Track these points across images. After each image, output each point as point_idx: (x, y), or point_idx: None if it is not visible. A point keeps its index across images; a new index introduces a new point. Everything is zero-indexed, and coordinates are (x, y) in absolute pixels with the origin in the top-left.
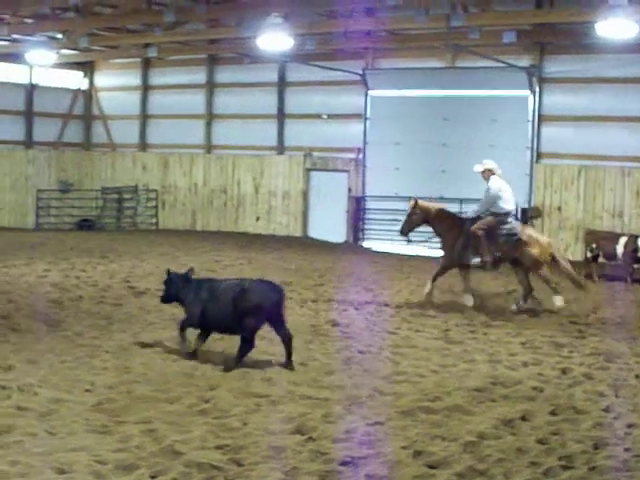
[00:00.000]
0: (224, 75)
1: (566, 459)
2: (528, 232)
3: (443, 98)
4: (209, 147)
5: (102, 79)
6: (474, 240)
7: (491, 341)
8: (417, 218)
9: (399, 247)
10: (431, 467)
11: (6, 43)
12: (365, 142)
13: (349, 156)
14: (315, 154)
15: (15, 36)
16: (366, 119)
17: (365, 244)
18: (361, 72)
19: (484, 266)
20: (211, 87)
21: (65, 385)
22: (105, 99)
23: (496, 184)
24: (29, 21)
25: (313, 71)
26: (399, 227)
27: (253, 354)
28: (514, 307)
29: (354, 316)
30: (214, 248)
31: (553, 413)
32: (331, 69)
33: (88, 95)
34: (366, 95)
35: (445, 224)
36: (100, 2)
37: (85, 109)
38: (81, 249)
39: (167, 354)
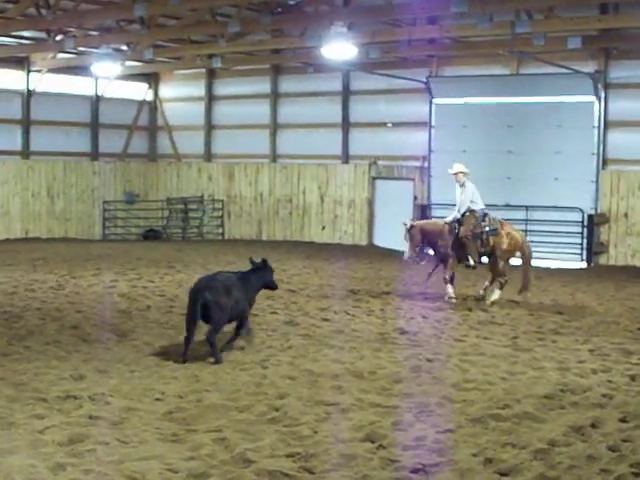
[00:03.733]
0: (288, 85)
1: (637, 466)
2: (507, 228)
3: (508, 105)
4: (274, 157)
5: (167, 90)
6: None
7: (559, 348)
8: (417, 239)
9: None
10: (502, 474)
11: (72, 55)
12: (430, 150)
13: (414, 164)
14: (380, 162)
15: (80, 48)
16: (431, 127)
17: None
18: (425, 80)
19: (474, 266)
20: (275, 97)
21: (136, 394)
22: (170, 110)
23: (470, 187)
24: (94, 33)
25: (377, 79)
26: (405, 256)
27: (323, 363)
28: (480, 292)
29: (422, 324)
30: (280, 257)
31: (623, 420)
32: (395, 77)
33: (153, 106)
34: (430, 103)
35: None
36: (164, 14)
37: (150, 120)
38: (148, 259)
39: (236, 362)
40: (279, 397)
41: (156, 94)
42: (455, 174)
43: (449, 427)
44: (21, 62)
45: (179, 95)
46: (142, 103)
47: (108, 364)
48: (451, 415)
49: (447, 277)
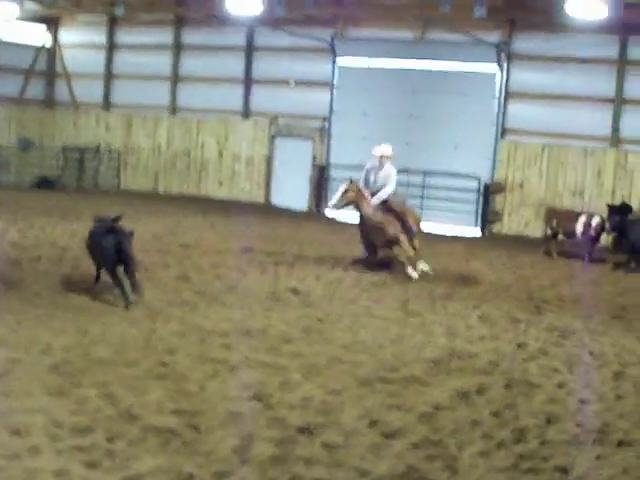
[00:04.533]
0: (191, 37)
1: (519, 432)
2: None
3: (411, 70)
4: (174, 109)
5: (67, 36)
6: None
7: (449, 314)
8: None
9: None
10: (386, 437)
11: None
12: (331, 111)
13: (315, 124)
14: (281, 120)
15: None
16: (333, 88)
17: (327, 213)
18: (330, 40)
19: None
20: (178, 49)
21: (22, 346)
22: (69, 57)
23: (394, 169)
24: None
25: (282, 37)
26: (332, 201)
27: (213, 320)
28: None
29: (314, 284)
30: (176, 212)
31: (508, 387)
32: (300, 36)
33: (52, 52)
34: (334, 63)
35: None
36: None
37: (48, 66)
38: (40, 208)
39: (126, 317)
40: (168, 353)
41: (55, 39)
42: (380, 157)
43: (336, 388)
44: None
45: (79, 42)
46: (40, 48)
47: None
48: (339, 376)
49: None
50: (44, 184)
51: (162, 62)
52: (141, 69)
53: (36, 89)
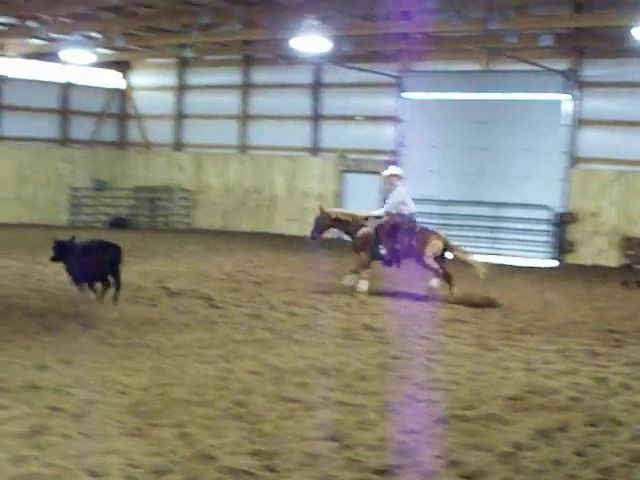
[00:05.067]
0: (259, 76)
1: (604, 472)
2: (423, 229)
3: (478, 101)
4: (243, 148)
5: (138, 78)
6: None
7: (526, 348)
8: (324, 223)
9: None
10: (466, 477)
11: (44, 42)
12: (400, 145)
13: (383, 158)
14: (349, 156)
15: (53, 35)
16: (401, 122)
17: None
18: (396, 74)
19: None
20: (246, 88)
21: (98, 386)
22: (141, 98)
23: (401, 190)
24: (67, 20)
25: (349, 73)
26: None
27: (288, 358)
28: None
29: (388, 320)
30: (247, 248)
31: (590, 424)
32: (367, 71)
33: (124, 94)
34: (401, 98)
35: (351, 226)
36: (137, 2)
37: (121, 108)
38: None
39: (201, 356)
40: (243, 392)
41: (127, 82)
42: (389, 176)
43: (414, 427)
44: None
45: (150, 84)
46: (113, 91)
47: (72, 354)
48: (416, 415)
49: (359, 270)
50: (118, 224)
51: (231, 101)
52: (210, 109)
53: (109, 131)
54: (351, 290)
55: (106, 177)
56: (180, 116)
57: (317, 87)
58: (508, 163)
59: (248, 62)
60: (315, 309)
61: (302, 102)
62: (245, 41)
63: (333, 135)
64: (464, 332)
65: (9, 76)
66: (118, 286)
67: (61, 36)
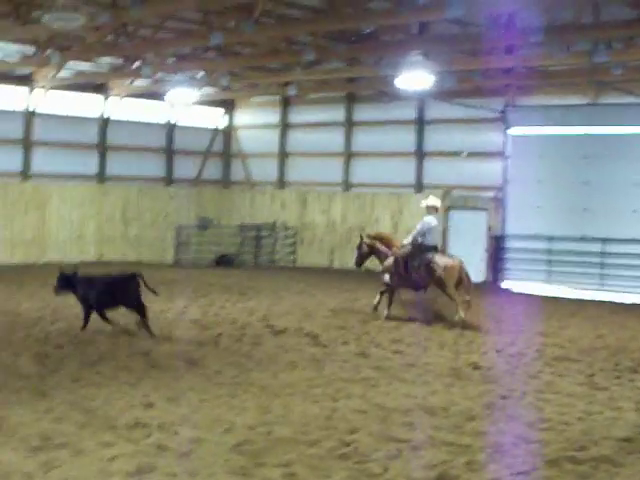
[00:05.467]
0: (363, 113)
1: None
2: (438, 258)
3: (585, 135)
4: (347, 185)
5: (242, 117)
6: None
7: (638, 388)
8: (363, 251)
9: (540, 288)
10: None
11: (148, 82)
12: (505, 180)
13: (489, 194)
14: (454, 192)
15: (157, 75)
16: (506, 157)
17: (504, 284)
18: (501, 109)
19: (388, 285)
20: (349, 125)
21: (205, 424)
22: (244, 137)
23: (428, 220)
24: (171, 61)
25: (452, 108)
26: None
27: (394, 397)
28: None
29: (495, 359)
30: (352, 287)
31: None
32: (471, 106)
33: (228, 133)
34: (506, 133)
35: (383, 254)
36: (240, 42)
37: (224, 147)
38: (220, 285)
39: (307, 395)
40: (350, 432)
41: (231, 121)
42: (427, 207)
43: (524, 469)
44: (99, 88)
45: (254, 122)
46: (217, 130)
47: (178, 392)
48: (526, 456)
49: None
50: (223, 262)
51: (334, 139)
52: (314, 146)
53: (213, 169)
54: (455, 324)
55: (211, 215)
56: (284, 154)
57: (421, 123)
58: (616, 198)
59: (351, 99)
60: (421, 347)
61: (406, 138)
62: (348, 78)
63: (437, 171)
64: (573, 371)
65: (114, 116)
66: (142, 314)
67: (166, 76)
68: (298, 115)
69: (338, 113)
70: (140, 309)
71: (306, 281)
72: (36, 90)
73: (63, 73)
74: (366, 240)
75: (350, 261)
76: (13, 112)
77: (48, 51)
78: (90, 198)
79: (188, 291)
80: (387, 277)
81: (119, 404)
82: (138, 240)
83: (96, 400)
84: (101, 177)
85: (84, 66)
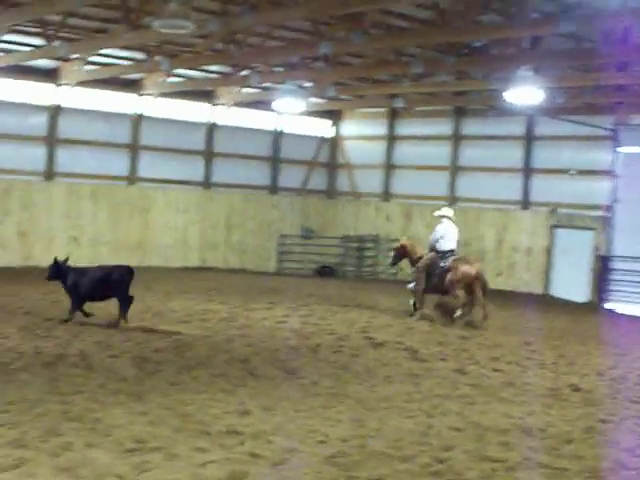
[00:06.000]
0: (470, 127)
1: None
2: (455, 262)
3: None
4: (452, 199)
5: (348, 128)
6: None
7: None
8: (399, 254)
9: None
10: None
11: (256, 90)
12: (614, 200)
13: (596, 214)
14: (561, 210)
15: (265, 84)
16: (616, 176)
17: (608, 305)
18: (612, 127)
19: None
20: (456, 139)
21: (299, 435)
22: (350, 148)
23: (441, 227)
24: (279, 70)
25: (561, 125)
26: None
27: (491, 416)
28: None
29: (596, 381)
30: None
31: None
32: (580, 123)
33: (334, 143)
34: (616, 151)
35: (414, 260)
36: (349, 52)
37: (330, 157)
38: (320, 296)
39: (402, 410)
40: (444, 449)
41: (337, 131)
42: (439, 217)
43: None
44: (207, 95)
45: (360, 133)
46: (323, 140)
47: (274, 401)
48: None
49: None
50: (325, 272)
51: (441, 152)
52: (420, 159)
53: (318, 179)
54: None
55: (314, 225)
56: (389, 166)
57: (529, 139)
58: None
59: (459, 113)
60: (521, 366)
61: (513, 154)
62: (456, 92)
63: (544, 189)
64: None
65: (221, 123)
66: (124, 306)
67: (273, 85)
68: (405, 127)
69: (445, 126)
70: (125, 301)
71: (407, 294)
72: (144, 96)
73: (172, 79)
74: (403, 243)
75: None
76: (122, 116)
77: (157, 57)
78: (195, 204)
79: (288, 300)
80: (412, 285)
81: (214, 410)
82: (241, 247)
83: (192, 405)
84: (206, 183)
85: (193, 73)
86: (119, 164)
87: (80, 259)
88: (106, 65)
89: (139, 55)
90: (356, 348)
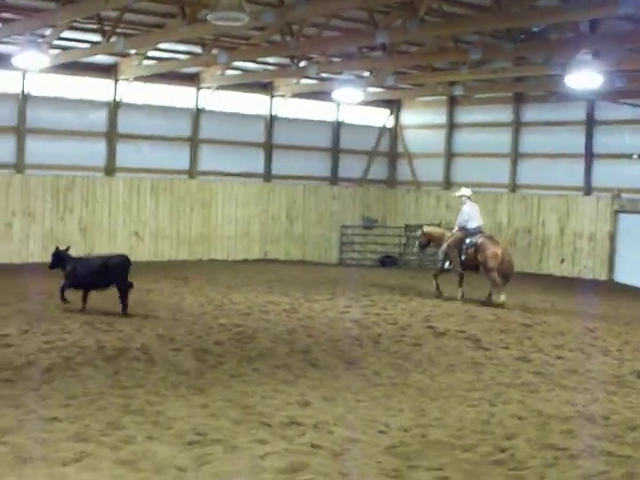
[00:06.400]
0: (531, 113)
1: None
2: (481, 241)
3: None
4: (513, 186)
5: (408, 117)
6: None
7: None
8: (423, 240)
9: None
10: None
11: (315, 81)
12: None
13: None
14: (623, 195)
15: (323, 75)
16: None
17: None
18: None
19: (453, 269)
20: (517, 125)
21: (360, 425)
22: (410, 137)
23: (467, 208)
24: (337, 60)
25: (622, 109)
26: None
27: (554, 404)
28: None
29: None
30: (516, 289)
31: None
32: None
33: (393, 133)
34: None
35: (436, 243)
36: (406, 41)
37: (390, 147)
38: (382, 286)
39: (464, 398)
40: (506, 437)
41: (397, 120)
42: (459, 197)
43: None
44: (265, 87)
45: (420, 122)
46: (383, 129)
47: (335, 392)
48: None
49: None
50: (387, 262)
51: (501, 139)
52: (480, 147)
53: (379, 169)
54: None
55: (376, 215)
56: (449, 154)
57: (590, 124)
58: None
59: (519, 99)
60: (585, 353)
61: (575, 140)
62: (516, 78)
63: (607, 174)
64: None
65: (280, 115)
66: (123, 295)
67: (331, 75)
68: (464, 115)
69: (505, 113)
70: (124, 290)
71: (469, 284)
72: (202, 89)
73: (230, 72)
74: (426, 230)
75: (516, 263)
76: (181, 110)
77: (215, 51)
78: (255, 196)
79: (350, 291)
80: (447, 264)
81: (275, 402)
82: (302, 239)
83: (252, 397)
84: (267, 176)
85: (251, 66)
86: (179, 158)
87: (142, 254)
88: (164, 59)
89: (196, 49)
90: (418, 337)
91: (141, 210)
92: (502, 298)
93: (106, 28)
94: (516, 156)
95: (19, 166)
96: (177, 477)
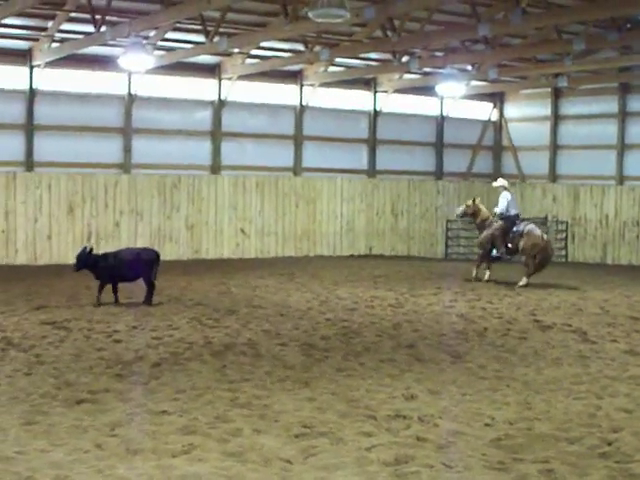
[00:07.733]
0: (637, 103)
1: None
2: (529, 228)
3: None
4: (621, 178)
5: (511, 110)
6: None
7: None
8: (468, 211)
9: None
10: None
11: (417, 76)
12: None
13: None
14: None
15: (426, 69)
16: None
17: None
18: None
19: (501, 257)
20: (623, 116)
21: (465, 418)
22: (514, 130)
23: (505, 196)
24: (439, 54)
25: None
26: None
27: None
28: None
29: None
30: (625, 282)
31: None
32: None
33: (497, 126)
34: None
35: (478, 222)
36: (509, 33)
37: (494, 140)
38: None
39: (570, 392)
40: (613, 430)
41: (501, 114)
42: (498, 187)
43: None
44: (368, 83)
45: (524, 115)
46: (486, 123)
47: (440, 385)
48: None
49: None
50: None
51: (607, 130)
52: (586, 139)
53: (483, 163)
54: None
55: None
56: (555, 147)
57: None
58: None
59: (624, 89)
60: None
61: None
62: (621, 68)
63: None
64: None
65: (384, 110)
66: (149, 288)
67: (434, 70)
68: (569, 107)
69: (611, 104)
70: (150, 284)
71: (577, 277)
72: (305, 86)
73: (332, 69)
74: (477, 204)
75: (624, 256)
76: (284, 108)
77: (317, 48)
78: (360, 192)
79: (456, 285)
80: (495, 252)
81: (381, 395)
82: (408, 234)
83: (358, 391)
84: (371, 171)
85: (353, 62)
86: (283, 155)
87: (248, 251)
88: (267, 58)
89: (299, 46)
90: (523, 331)
91: (247, 207)
92: (525, 281)
93: (209, 28)
94: (623, 147)
95: (126, 166)
96: (283, 469)
